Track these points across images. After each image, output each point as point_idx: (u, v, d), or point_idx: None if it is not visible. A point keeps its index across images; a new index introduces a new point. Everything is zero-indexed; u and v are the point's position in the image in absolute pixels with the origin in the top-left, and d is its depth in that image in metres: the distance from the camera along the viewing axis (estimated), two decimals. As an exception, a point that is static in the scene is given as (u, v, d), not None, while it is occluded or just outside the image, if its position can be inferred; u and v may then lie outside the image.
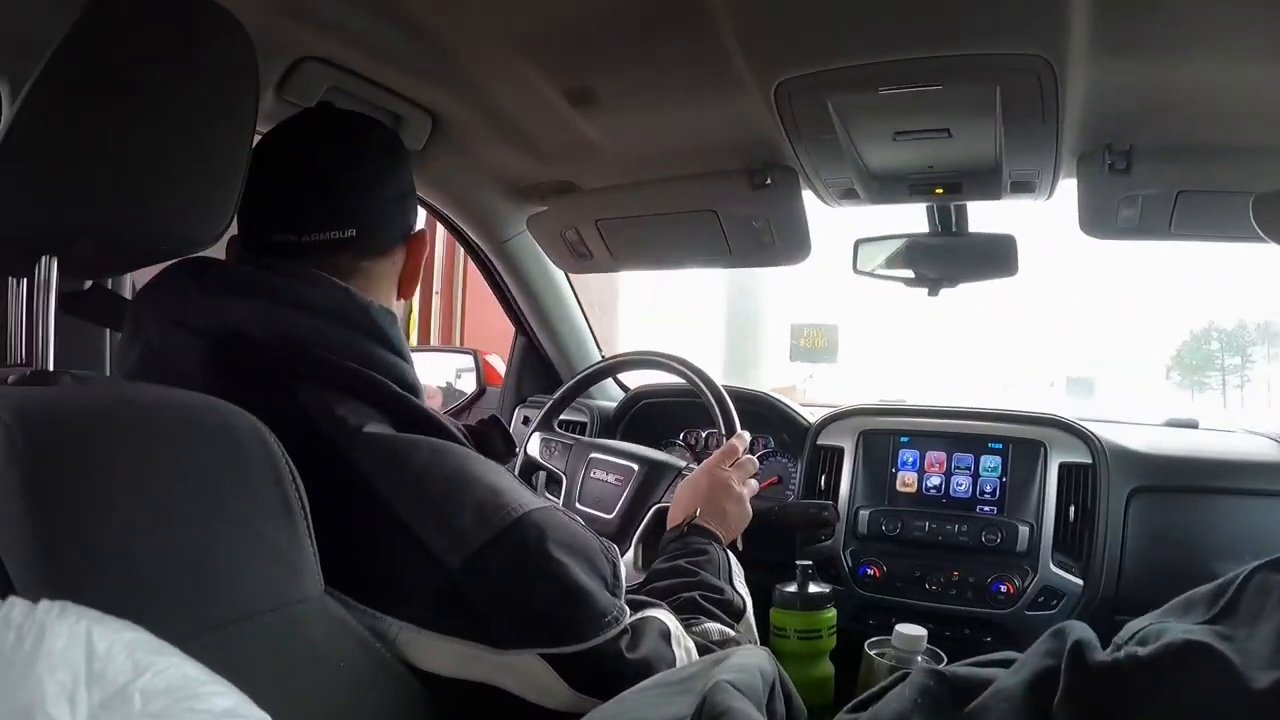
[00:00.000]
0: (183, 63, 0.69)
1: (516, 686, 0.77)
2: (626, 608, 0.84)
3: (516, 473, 1.72)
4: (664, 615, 0.92)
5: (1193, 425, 1.82)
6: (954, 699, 0.61)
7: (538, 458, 1.71)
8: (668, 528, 1.29)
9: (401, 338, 0.88)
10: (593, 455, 1.60)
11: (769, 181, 1.47)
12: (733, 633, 1.03)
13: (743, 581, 1.19)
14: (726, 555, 1.20)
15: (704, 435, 1.81)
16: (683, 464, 1.49)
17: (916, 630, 1.16)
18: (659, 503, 1.44)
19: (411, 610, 0.74)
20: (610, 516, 1.51)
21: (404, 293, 0.97)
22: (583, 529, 0.86)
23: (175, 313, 0.80)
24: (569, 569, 0.78)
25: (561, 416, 1.90)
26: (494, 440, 0.93)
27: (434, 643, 0.74)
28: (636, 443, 1.70)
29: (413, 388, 0.86)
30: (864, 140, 1.29)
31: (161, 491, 0.60)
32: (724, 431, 1.50)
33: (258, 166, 0.78)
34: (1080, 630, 0.58)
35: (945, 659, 1.12)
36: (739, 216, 1.56)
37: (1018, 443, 1.59)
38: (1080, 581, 1.49)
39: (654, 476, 1.50)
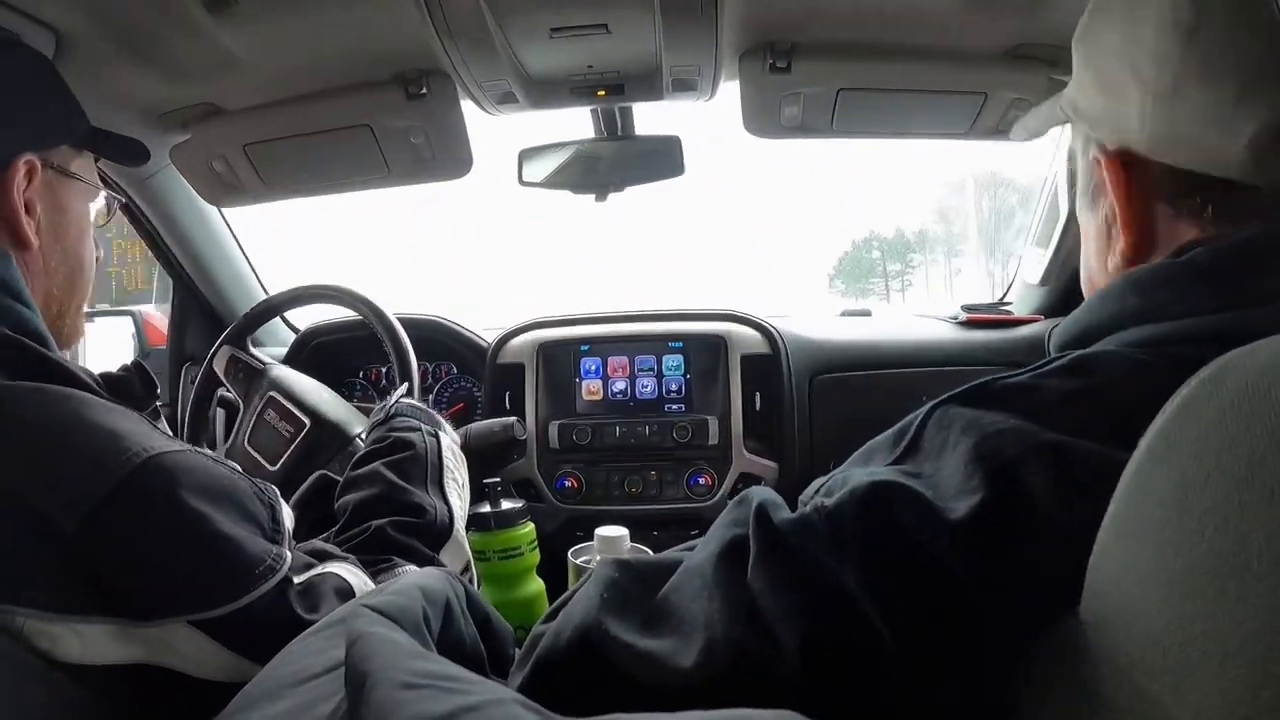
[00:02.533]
0: None
1: (176, 662, 0.66)
2: (288, 554, 0.73)
3: (194, 390, 1.57)
4: (344, 569, 0.83)
5: (866, 314, 1.94)
6: (644, 587, 0.58)
7: (222, 375, 1.53)
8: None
9: (22, 282, 0.75)
10: (271, 394, 1.45)
11: (424, 90, 1.38)
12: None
13: (458, 479, 1.11)
14: (437, 442, 1.12)
15: (384, 371, 1.71)
16: (357, 431, 1.39)
17: (617, 530, 1.14)
18: (324, 470, 1.33)
19: (35, 593, 0.61)
20: (273, 468, 1.38)
21: (16, 237, 0.78)
22: (229, 471, 0.74)
23: None
24: (208, 517, 0.67)
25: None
26: (132, 384, 0.80)
27: (69, 629, 0.61)
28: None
29: (37, 335, 0.73)
30: (519, 38, 1.23)
31: None
32: (397, 368, 1.41)
33: None
34: (762, 493, 0.56)
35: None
36: (396, 130, 1.45)
37: (698, 339, 1.62)
38: (775, 464, 1.57)
39: (324, 439, 1.38)
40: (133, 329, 2.00)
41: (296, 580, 0.74)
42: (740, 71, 1.38)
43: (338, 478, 1.12)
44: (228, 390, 1.54)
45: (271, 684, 0.55)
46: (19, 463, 0.62)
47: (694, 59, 1.30)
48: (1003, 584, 0.45)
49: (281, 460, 1.37)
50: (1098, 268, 0.65)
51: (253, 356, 1.56)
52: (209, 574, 0.67)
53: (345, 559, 0.88)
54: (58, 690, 0.61)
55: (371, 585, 0.84)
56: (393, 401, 1.18)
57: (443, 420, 1.20)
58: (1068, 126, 0.69)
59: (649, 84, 1.39)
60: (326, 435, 1.39)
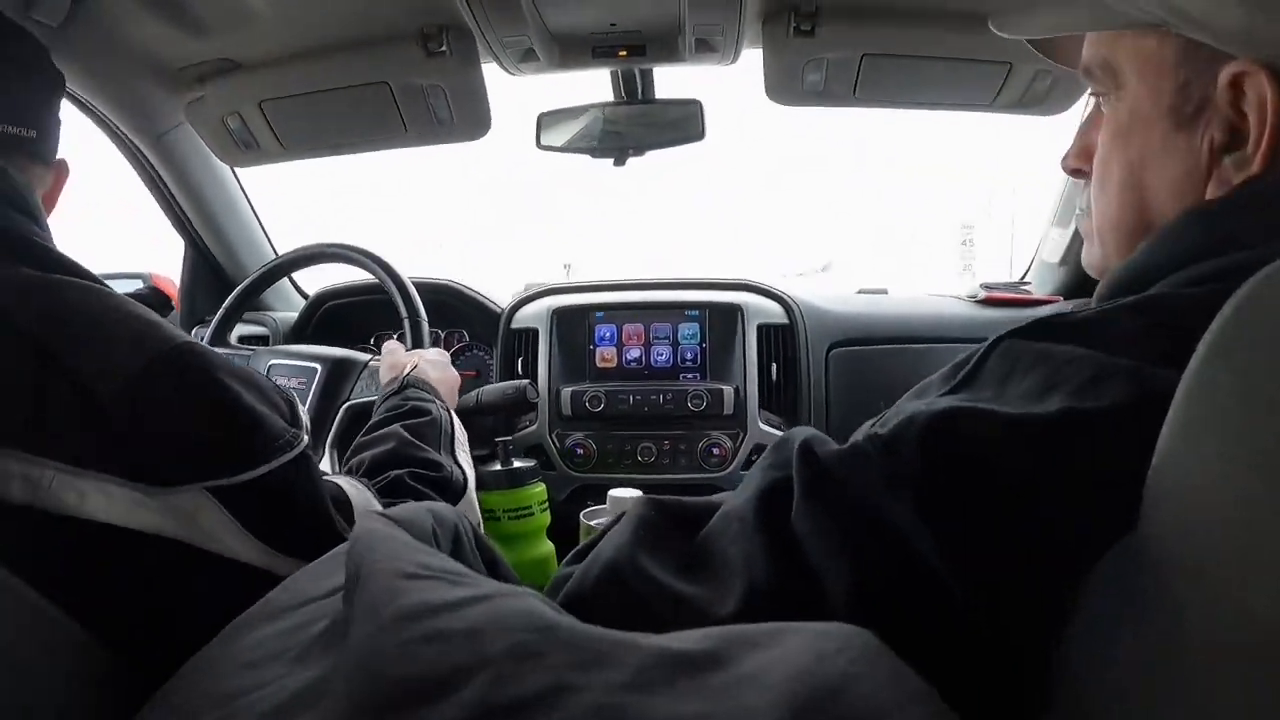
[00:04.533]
0: None
1: (187, 534, 0.68)
2: (305, 436, 0.76)
3: None
4: (347, 483, 0.86)
5: (883, 292, 1.93)
6: (680, 529, 0.56)
7: None
8: (382, 386, 1.21)
9: (43, 212, 0.81)
10: (272, 362, 1.44)
11: (444, 47, 1.37)
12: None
13: (466, 450, 1.12)
14: (449, 415, 1.13)
15: (395, 336, 1.70)
16: (367, 357, 1.38)
17: (630, 492, 1.13)
18: (349, 400, 1.32)
19: (65, 449, 0.64)
20: None
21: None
22: (253, 369, 0.79)
23: None
24: (238, 393, 0.71)
25: (241, 332, 1.72)
26: (148, 300, 0.81)
27: (93, 485, 0.65)
28: (327, 350, 1.56)
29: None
30: (543, -7, 1.22)
31: None
32: (407, 318, 1.40)
33: None
34: (805, 431, 0.54)
35: None
36: (414, 88, 1.44)
37: (714, 308, 1.60)
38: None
39: (339, 373, 1.38)
40: (144, 290, 1.98)
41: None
42: (763, 34, 1.37)
43: (370, 398, 1.16)
44: None
45: (270, 607, 0.55)
46: (65, 339, 0.66)
47: (718, 17, 1.28)
48: (1073, 501, 0.44)
49: (305, 407, 1.36)
50: (1170, 199, 0.57)
51: (238, 347, 1.57)
52: (230, 442, 0.70)
53: (358, 481, 0.90)
54: (77, 548, 0.65)
55: (377, 506, 0.87)
56: (405, 373, 1.17)
57: (446, 397, 1.21)
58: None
59: (670, 45, 1.38)
60: (341, 368, 1.39)
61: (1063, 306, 1.68)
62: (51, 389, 0.65)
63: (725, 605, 0.48)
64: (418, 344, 1.39)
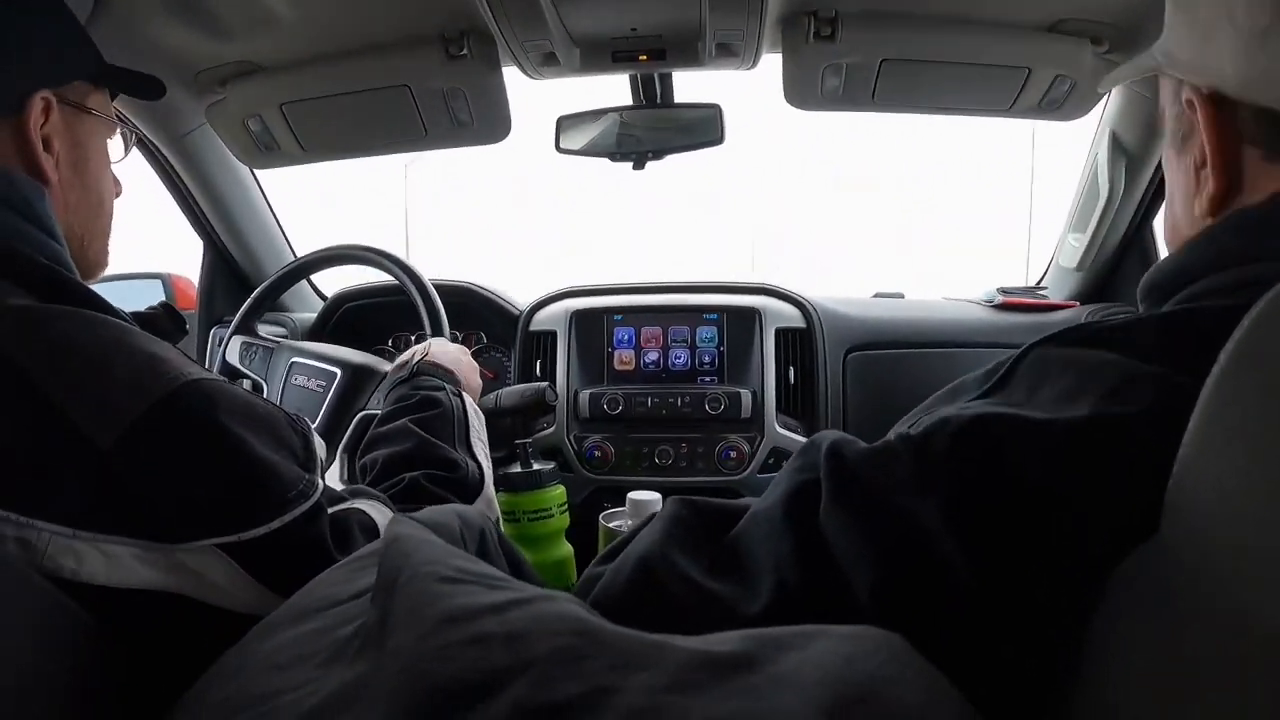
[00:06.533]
0: None
1: (203, 591, 0.64)
2: (320, 481, 0.73)
3: None
4: (371, 506, 0.83)
5: (899, 297, 1.93)
6: (711, 528, 0.58)
7: (237, 364, 1.54)
8: (391, 374, 1.20)
9: (53, 218, 0.76)
10: (295, 360, 1.45)
11: (465, 50, 1.38)
12: None
13: (483, 440, 1.11)
14: (462, 403, 1.12)
15: (413, 338, 1.70)
16: (388, 366, 1.39)
17: (649, 495, 1.14)
18: (364, 410, 1.33)
19: (64, 508, 0.60)
20: (315, 424, 1.38)
21: (36, 173, 0.78)
22: (265, 402, 0.74)
23: None
24: (244, 440, 0.67)
25: (260, 332, 1.73)
26: (160, 320, 0.81)
27: (95, 547, 0.60)
28: (345, 352, 1.56)
29: (68, 268, 0.74)
30: (564, -2, 1.22)
31: None
32: (429, 326, 1.41)
33: None
34: (833, 435, 0.55)
35: None
36: (434, 91, 1.45)
37: (732, 312, 1.61)
38: (807, 440, 1.54)
39: (358, 381, 1.39)
40: (162, 292, 1.99)
41: (329, 510, 0.74)
42: (783, 39, 1.38)
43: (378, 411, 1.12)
44: (247, 376, 1.54)
45: (296, 610, 0.54)
46: (59, 378, 0.61)
47: (738, 22, 1.29)
48: (1099, 504, 0.44)
49: (321, 412, 1.38)
50: (1183, 214, 0.63)
51: (264, 338, 1.57)
52: (242, 496, 0.66)
53: (376, 497, 0.87)
54: (68, 613, 0.58)
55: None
56: (415, 360, 1.17)
57: (463, 380, 1.19)
58: (1109, 110, 0.69)
59: (691, 49, 1.38)
60: (360, 376, 1.40)
61: (1079, 312, 1.68)
62: (46, 439, 0.60)
63: (754, 604, 0.50)
64: (437, 331, 1.40)
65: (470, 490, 1.00)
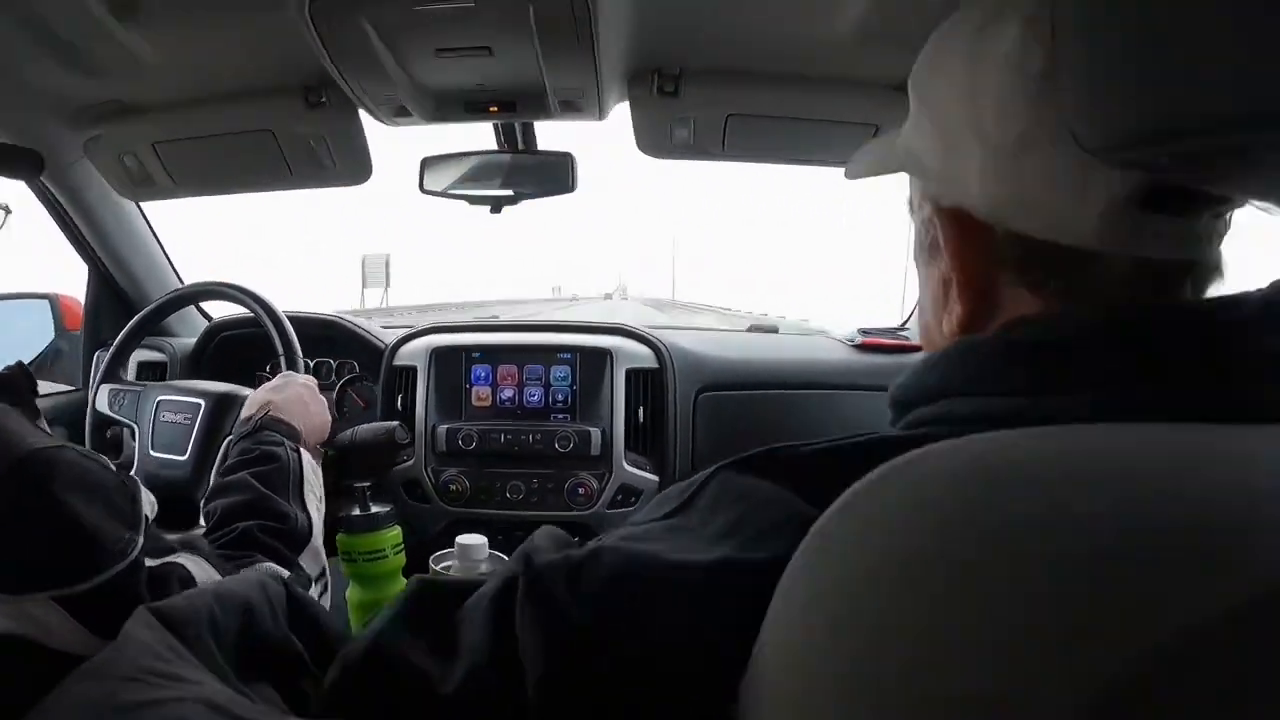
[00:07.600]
0: None
1: (39, 635, 0.72)
2: (140, 539, 0.79)
3: (88, 430, 1.62)
4: (191, 561, 0.88)
5: (774, 330, 1.98)
6: (445, 606, 0.60)
7: (107, 411, 1.58)
8: (239, 424, 1.24)
9: None
10: (161, 397, 1.49)
11: (324, 100, 1.43)
12: (286, 573, 1.00)
13: (316, 493, 1.16)
14: (299, 457, 1.16)
15: (269, 367, 1.74)
16: (248, 391, 1.44)
17: (476, 539, 1.18)
18: (230, 435, 1.38)
19: None
20: (184, 458, 1.43)
21: None
22: (98, 467, 0.80)
23: None
24: (75, 510, 0.74)
25: (141, 359, 1.77)
26: (15, 381, 0.86)
27: None
28: (221, 380, 1.61)
29: None
30: (408, 58, 1.27)
31: None
32: (283, 357, 1.46)
33: None
34: (542, 534, 0.60)
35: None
36: (297, 136, 1.50)
37: (585, 352, 1.67)
38: (655, 478, 1.62)
39: (221, 409, 1.43)
40: (49, 312, 2.02)
41: (149, 563, 0.80)
42: (629, 94, 1.43)
43: None
44: (118, 421, 1.58)
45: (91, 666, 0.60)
46: None
47: (577, 82, 1.34)
48: (709, 645, 0.47)
49: (190, 445, 1.42)
50: (934, 325, 0.58)
51: (129, 383, 1.60)
52: (71, 556, 0.73)
53: (198, 553, 0.92)
54: None
55: (217, 577, 0.89)
56: (259, 416, 1.22)
57: (305, 428, 1.24)
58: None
59: (537, 103, 1.42)
60: (223, 405, 1.44)
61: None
62: None
63: (448, 685, 0.53)
64: (290, 363, 1.46)
65: (299, 540, 1.06)
